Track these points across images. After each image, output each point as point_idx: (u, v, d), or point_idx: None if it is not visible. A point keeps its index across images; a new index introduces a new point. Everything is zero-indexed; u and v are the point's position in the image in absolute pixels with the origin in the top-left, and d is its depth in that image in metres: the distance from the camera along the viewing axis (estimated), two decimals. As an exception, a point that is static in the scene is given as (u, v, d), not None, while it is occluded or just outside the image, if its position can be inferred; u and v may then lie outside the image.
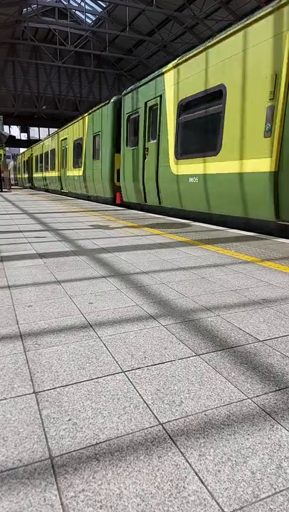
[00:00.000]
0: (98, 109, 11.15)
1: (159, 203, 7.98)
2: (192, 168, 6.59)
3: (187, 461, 0.99)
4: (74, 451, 1.03)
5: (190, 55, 6.48)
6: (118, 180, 10.40)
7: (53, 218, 6.99)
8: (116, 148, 10.30)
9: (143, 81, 8.37)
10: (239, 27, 5.34)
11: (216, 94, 5.97)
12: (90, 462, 0.99)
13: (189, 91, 6.57)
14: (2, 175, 20.32)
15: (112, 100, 10.17)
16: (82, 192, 13.66)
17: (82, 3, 26.87)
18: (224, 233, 4.97)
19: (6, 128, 36.37)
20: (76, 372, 1.44)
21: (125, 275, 2.87)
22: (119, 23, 28.70)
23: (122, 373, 1.43)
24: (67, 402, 1.25)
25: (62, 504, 0.86)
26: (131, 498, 0.88)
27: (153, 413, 1.19)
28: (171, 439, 1.07)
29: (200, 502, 0.86)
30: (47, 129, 40.71)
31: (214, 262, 3.29)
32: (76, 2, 29.31)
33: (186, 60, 6.58)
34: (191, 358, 1.55)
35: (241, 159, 5.42)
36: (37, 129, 41.29)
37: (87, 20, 31.67)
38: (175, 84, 7.03)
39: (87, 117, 12.25)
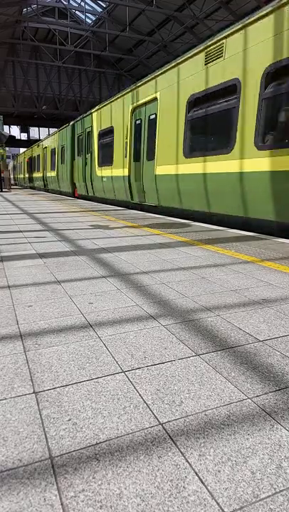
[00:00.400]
0: (63, 128, 15.71)
1: (93, 194, 12.50)
2: (104, 172, 11.02)
3: (187, 461, 0.99)
4: (74, 451, 1.03)
5: (101, 106, 11.09)
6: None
7: (53, 218, 6.99)
8: (73, 157, 14.65)
9: (83, 115, 12.99)
10: (113, 98, 10.01)
11: (111, 131, 10.41)
12: (90, 462, 0.99)
13: (101, 126, 11.09)
14: (2, 175, 20.35)
15: (70, 124, 14.56)
16: (56, 188, 18.05)
17: (82, 3, 26.87)
18: (224, 233, 4.97)
19: (6, 128, 36.38)
20: (76, 372, 1.44)
21: (125, 275, 2.87)
22: (119, 23, 28.70)
23: (122, 373, 1.43)
24: (67, 402, 1.25)
25: (62, 504, 0.86)
26: (131, 498, 0.88)
27: (153, 413, 1.19)
28: (171, 439, 1.07)
29: (200, 502, 0.86)
30: (47, 129, 40.70)
31: (214, 262, 3.29)
32: (76, 2, 29.31)
33: (100, 108, 11.21)
34: (191, 358, 1.55)
35: (119, 168, 9.77)
36: (37, 129, 41.27)
37: (87, 20, 31.67)
38: (97, 120, 11.57)
39: (58, 133, 16.66)
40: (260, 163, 5.07)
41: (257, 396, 1.27)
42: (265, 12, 4.93)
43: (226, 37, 5.72)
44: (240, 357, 1.55)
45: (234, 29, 5.54)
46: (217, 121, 5.96)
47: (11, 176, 40.66)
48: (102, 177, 11.05)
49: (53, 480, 0.93)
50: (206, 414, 1.18)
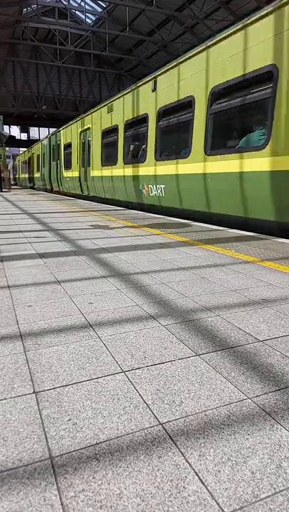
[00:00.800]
0: (44, 139, 20.60)
1: (62, 189, 17.10)
2: (67, 174, 15.38)
3: (187, 461, 0.99)
4: (74, 451, 1.03)
5: (65, 126, 15.42)
6: None
7: (53, 218, 6.99)
8: (50, 162, 19.16)
9: (55, 131, 17.68)
10: (71, 123, 14.44)
11: (70, 145, 14.72)
12: (90, 462, 0.99)
13: (66, 141, 15.44)
14: (2, 175, 20.37)
15: (47, 137, 19.40)
16: (41, 186, 22.80)
17: (82, 3, 26.85)
18: (224, 233, 4.97)
19: (6, 128, 36.33)
20: (76, 372, 1.44)
21: (125, 275, 2.87)
22: (119, 23, 28.69)
23: (122, 373, 1.43)
24: (67, 402, 1.25)
25: (62, 504, 0.86)
26: (131, 498, 0.88)
27: (153, 413, 1.19)
28: (171, 439, 1.07)
29: (200, 502, 0.86)
30: (47, 129, 40.68)
31: (214, 262, 3.29)
32: (76, 2, 29.29)
33: (65, 128, 15.54)
34: (191, 358, 1.55)
35: (74, 171, 14.07)
36: (37, 129, 41.23)
37: (87, 20, 31.65)
38: (63, 136, 15.99)
39: (40, 143, 21.76)
40: (126, 170, 9.35)
41: (257, 396, 1.27)
42: (119, 95, 9.61)
43: (112, 101, 10.18)
44: (240, 357, 1.55)
45: (115, 98, 10.01)
46: (113, 146, 10.30)
47: (11, 176, 40.65)
48: (66, 177, 15.75)
49: (53, 480, 0.93)
50: (206, 414, 1.18)
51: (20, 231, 5.34)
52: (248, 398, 1.26)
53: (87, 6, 28.22)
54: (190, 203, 6.71)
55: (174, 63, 7.01)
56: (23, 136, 41.23)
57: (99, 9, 29.33)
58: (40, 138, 39.99)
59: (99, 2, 28.27)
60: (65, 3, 28.05)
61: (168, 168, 7.22)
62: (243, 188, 5.30)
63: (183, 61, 6.73)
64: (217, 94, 5.86)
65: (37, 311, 2.12)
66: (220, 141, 5.95)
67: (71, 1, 29.35)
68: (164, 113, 7.50)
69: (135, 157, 8.95)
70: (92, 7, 29.29)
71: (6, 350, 1.63)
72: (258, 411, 1.19)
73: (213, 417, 1.17)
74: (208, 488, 0.90)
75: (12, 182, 41.00)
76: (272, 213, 4.88)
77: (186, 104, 6.68)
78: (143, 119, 8.37)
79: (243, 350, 1.61)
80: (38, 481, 0.93)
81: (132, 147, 9.12)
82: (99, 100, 38.18)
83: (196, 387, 1.33)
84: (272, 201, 4.84)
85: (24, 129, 40.71)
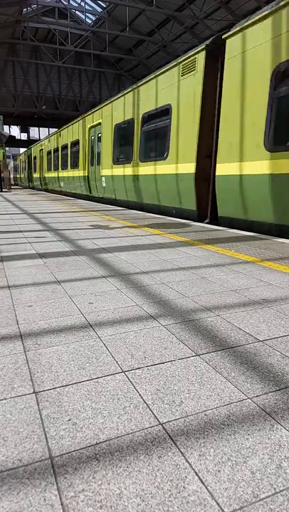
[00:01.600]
0: (26, 150, 28.82)
1: (34, 185, 26.98)
2: (34, 175, 25.68)
3: (187, 461, 0.99)
4: (74, 451, 1.03)
5: (34, 145, 25.34)
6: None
7: (53, 218, 6.99)
8: (28, 167, 28.00)
9: (32, 145, 25.83)
10: (37, 143, 24.75)
11: (36, 157, 24.98)
12: (90, 462, 0.99)
13: (34, 154, 25.37)
14: (2, 175, 20.41)
15: (28, 149, 27.63)
16: (27, 184, 31.13)
17: (82, 3, 26.85)
18: (224, 233, 4.97)
19: (6, 128, 36.34)
20: (76, 372, 1.44)
21: (125, 275, 2.87)
22: (119, 23, 28.69)
23: (122, 373, 1.43)
24: (67, 402, 1.25)
25: (62, 504, 0.86)
26: (131, 498, 0.88)
27: (153, 413, 1.19)
28: (171, 439, 1.07)
29: (200, 502, 0.86)
30: (47, 129, 40.66)
31: (214, 262, 3.29)
32: (76, 2, 29.29)
33: (34, 146, 25.29)
34: (191, 358, 1.55)
35: (37, 173, 24.83)
36: (37, 129, 41.21)
37: (87, 20, 31.65)
38: (33, 151, 25.61)
39: (23, 153, 30.12)
40: (55, 174, 18.54)
41: (257, 396, 1.27)
42: (54, 133, 18.70)
43: (54, 134, 18.38)
44: (240, 357, 1.55)
45: (53, 133, 18.64)
46: (51, 160, 19.05)
47: (11, 176, 40.68)
48: (35, 177, 24.67)
49: (53, 480, 0.93)
50: (206, 414, 1.18)
51: (20, 231, 5.34)
52: (248, 398, 1.26)
53: (87, 6, 28.22)
54: (63, 188, 16.75)
55: (69, 124, 15.07)
56: (23, 136, 41.20)
57: (99, 9, 29.33)
58: (41, 138, 40.09)
59: (99, 2, 28.27)
60: (65, 3, 28.05)
61: (65, 173, 15.99)
62: (75, 182, 14.42)
63: (67, 126, 15.30)
64: (71, 145, 14.66)
65: (37, 311, 2.12)
66: (72, 163, 14.54)
67: (71, 1, 29.35)
68: (64, 148, 16.00)
69: (56, 167, 17.75)
70: (92, 7, 29.29)
71: (6, 350, 1.63)
72: (258, 411, 1.19)
73: (213, 417, 1.17)
74: (208, 488, 0.90)
75: (12, 182, 41.04)
76: (84, 191, 13.54)
77: (65, 146, 15.71)
78: (57, 149, 17.25)
79: (243, 350, 1.61)
80: (38, 481, 0.93)
81: (56, 161, 17.68)
82: (99, 100, 38.18)
83: (196, 387, 1.33)
84: (85, 186, 13.16)
85: (24, 129, 40.69)
